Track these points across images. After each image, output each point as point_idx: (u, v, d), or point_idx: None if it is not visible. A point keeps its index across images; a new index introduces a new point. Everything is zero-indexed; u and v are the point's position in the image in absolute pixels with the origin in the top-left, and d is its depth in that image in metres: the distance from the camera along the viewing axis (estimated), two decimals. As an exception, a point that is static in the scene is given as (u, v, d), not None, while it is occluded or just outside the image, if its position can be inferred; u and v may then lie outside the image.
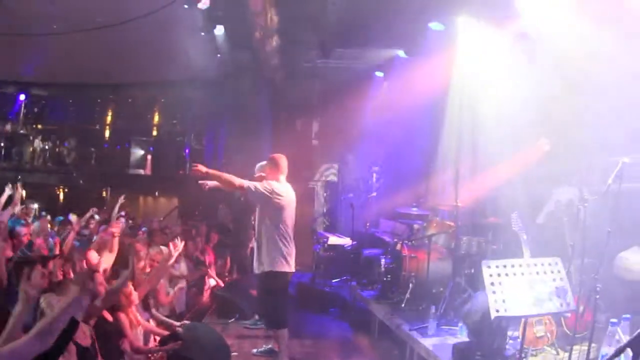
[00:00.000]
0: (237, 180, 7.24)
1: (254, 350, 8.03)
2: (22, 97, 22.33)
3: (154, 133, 24.34)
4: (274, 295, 7.36)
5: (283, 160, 7.56)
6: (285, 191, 7.41)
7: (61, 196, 24.16)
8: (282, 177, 7.50)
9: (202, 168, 7.15)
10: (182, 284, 9.37)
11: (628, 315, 4.82)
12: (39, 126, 23.72)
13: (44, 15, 13.12)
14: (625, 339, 4.26)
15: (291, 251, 7.39)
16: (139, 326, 6.44)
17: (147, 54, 15.32)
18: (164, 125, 24.46)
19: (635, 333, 2.69)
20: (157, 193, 24.33)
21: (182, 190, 20.92)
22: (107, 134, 24.26)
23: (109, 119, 24.39)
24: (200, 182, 7.76)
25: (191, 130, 22.90)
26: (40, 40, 14.45)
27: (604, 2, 7.54)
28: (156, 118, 24.55)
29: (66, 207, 17.61)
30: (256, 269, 7.52)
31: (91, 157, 23.02)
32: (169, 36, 13.05)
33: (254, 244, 8.40)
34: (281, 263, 7.26)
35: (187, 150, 22.87)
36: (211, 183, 7.69)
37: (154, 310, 7.31)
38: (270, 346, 7.90)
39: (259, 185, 7.26)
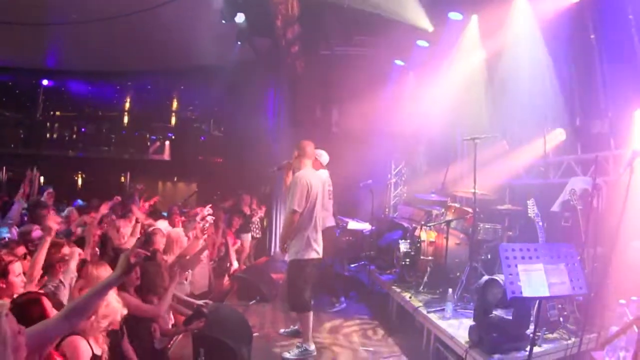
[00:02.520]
0: (290, 216, 7.25)
1: (281, 331, 8.29)
2: (45, 82, 22.53)
3: (173, 119, 24.55)
4: (300, 281, 7.37)
5: (310, 147, 7.58)
6: (313, 179, 7.40)
7: (79, 182, 24.42)
8: (309, 163, 7.54)
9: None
10: (205, 264, 9.36)
11: (635, 298, 4.96)
12: (58, 113, 24.02)
13: (64, 4, 13.22)
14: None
15: (317, 237, 7.40)
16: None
17: (166, 42, 15.32)
18: (182, 111, 24.63)
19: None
20: (175, 178, 24.57)
21: (201, 175, 21.20)
22: (125, 120, 24.48)
23: (127, 105, 24.60)
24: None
25: (209, 117, 23.05)
26: (60, 29, 14.57)
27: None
28: (174, 105, 24.72)
29: (85, 193, 17.75)
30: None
31: (110, 143, 23.27)
32: (189, 24, 13.17)
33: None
34: (306, 251, 7.29)
35: (205, 137, 23.06)
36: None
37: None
38: (295, 327, 8.06)
39: (295, 198, 7.15)
